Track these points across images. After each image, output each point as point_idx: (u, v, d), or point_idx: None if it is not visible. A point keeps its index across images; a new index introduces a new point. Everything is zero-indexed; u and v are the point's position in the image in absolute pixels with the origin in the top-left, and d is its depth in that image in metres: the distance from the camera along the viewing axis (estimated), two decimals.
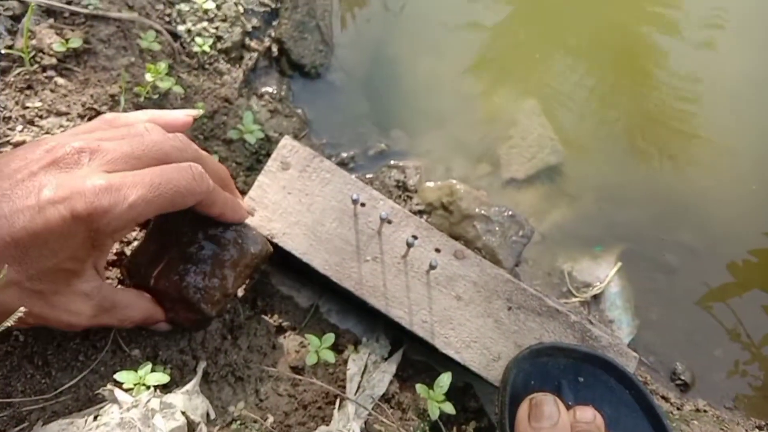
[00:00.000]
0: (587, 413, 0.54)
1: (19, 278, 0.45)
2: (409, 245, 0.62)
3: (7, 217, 0.44)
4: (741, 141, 1.03)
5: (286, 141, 0.71)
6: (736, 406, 0.82)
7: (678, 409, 0.78)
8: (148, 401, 0.53)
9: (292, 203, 0.68)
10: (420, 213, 0.84)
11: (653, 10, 1.15)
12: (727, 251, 0.93)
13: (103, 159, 0.47)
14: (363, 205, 0.68)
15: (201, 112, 0.61)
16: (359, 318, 0.73)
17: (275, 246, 0.67)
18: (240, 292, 0.71)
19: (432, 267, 0.62)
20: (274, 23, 0.97)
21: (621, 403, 0.58)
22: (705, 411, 0.78)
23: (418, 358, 0.72)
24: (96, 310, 0.52)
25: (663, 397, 0.79)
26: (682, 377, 0.82)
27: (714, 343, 0.87)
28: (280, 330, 0.71)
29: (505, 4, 1.11)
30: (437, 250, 0.67)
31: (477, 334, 0.63)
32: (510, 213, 0.80)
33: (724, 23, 1.13)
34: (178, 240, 0.59)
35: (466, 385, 0.72)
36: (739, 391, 0.84)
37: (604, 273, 0.85)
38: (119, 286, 0.64)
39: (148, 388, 0.56)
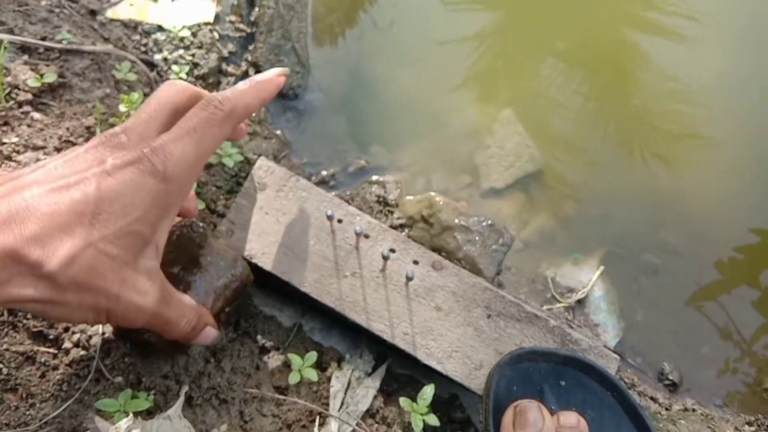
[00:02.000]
0: (571, 418, 0.54)
1: (92, 239, 0.44)
2: (385, 258, 0.62)
3: (72, 184, 0.45)
4: (725, 138, 1.04)
5: (262, 162, 0.72)
6: (726, 403, 0.82)
7: (666, 409, 0.78)
8: (128, 428, 0.53)
9: (270, 223, 0.68)
10: (401, 227, 0.85)
11: (636, 13, 1.17)
12: (711, 250, 0.93)
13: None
14: (340, 221, 0.68)
15: (287, 70, 0.63)
16: (342, 335, 0.73)
17: (255, 267, 0.67)
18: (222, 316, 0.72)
19: (409, 278, 0.62)
20: (250, 47, 0.98)
21: (604, 405, 0.58)
22: (693, 410, 0.78)
23: (402, 372, 0.72)
24: (159, 294, 0.51)
25: (651, 398, 0.79)
26: (670, 377, 0.82)
27: (701, 341, 0.87)
28: (264, 350, 0.71)
29: (488, 13, 1.12)
30: (415, 262, 0.67)
31: (458, 344, 0.64)
32: (489, 222, 0.81)
33: (705, 20, 1.14)
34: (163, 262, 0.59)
35: (452, 396, 0.72)
36: (729, 389, 0.84)
37: (587, 277, 0.85)
38: None
39: (128, 414, 0.56)
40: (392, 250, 0.67)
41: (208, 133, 0.51)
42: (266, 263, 0.67)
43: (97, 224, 0.44)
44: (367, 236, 0.68)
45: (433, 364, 0.63)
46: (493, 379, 0.58)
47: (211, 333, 0.60)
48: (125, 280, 0.47)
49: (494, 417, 0.57)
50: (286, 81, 0.62)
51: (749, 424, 0.79)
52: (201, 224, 0.62)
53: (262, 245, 0.67)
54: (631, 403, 0.58)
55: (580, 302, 0.84)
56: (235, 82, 0.95)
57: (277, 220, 0.68)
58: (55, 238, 0.42)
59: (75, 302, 0.45)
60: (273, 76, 0.60)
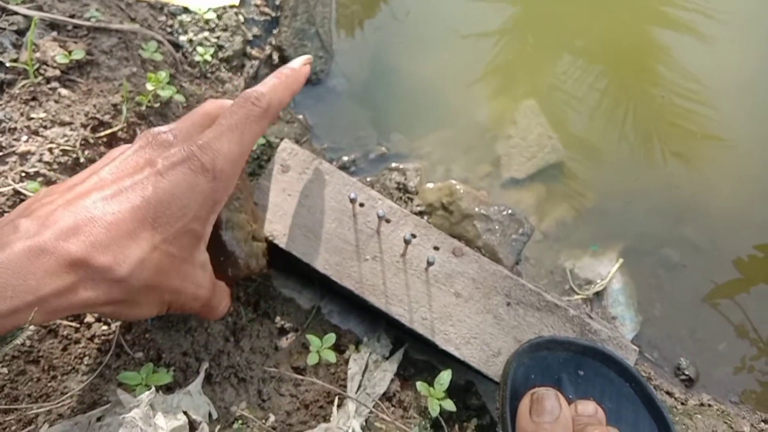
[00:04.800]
0: (589, 407, 0.54)
1: (156, 242, 0.46)
2: (407, 242, 0.62)
3: (129, 188, 0.47)
4: (745, 136, 1.03)
5: (286, 144, 0.72)
6: (742, 400, 0.82)
7: (682, 404, 0.78)
8: (150, 401, 0.54)
9: (292, 205, 0.69)
10: (421, 214, 0.85)
11: (659, 9, 1.15)
12: (730, 247, 0.92)
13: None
14: (362, 205, 0.69)
15: (311, 57, 0.64)
16: (361, 318, 0.73)
17: (276, 247, 0.68)
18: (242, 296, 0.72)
19: (429, 263, 0.62)
20: (275, 31, 0.98)
21: (621, 396, 0.58)
22: (709, 405, 0.78)
23: (419, 357, 0.72)
24: (210, 284, 0.55)
25: (667, 392, 0.79)
26: (686, 372, 0.81)
27: (718, 338, 0.86)
28: (282, 331, 0.71)
29: (511, 5, 1.12)
30: (436, 248, 0.67)
31: (477, 330, 0.64)
32: (509, 211, 0.81)
33: (727, 20, 1.13)
34: None
35: (468, 383, 0.72)
36: (745, 386, 0.84)
37: (606, 270, 0.84)
38: None
39: (150, 388, 0.57)
40: (413, 235, 0.67)
41: (249, 129, 0.53)
42: (288, 245, 0.67)
43: (159, 227, 0.47)
44: (388, 221, 0.68)
45: (451, 349, 0.63)
46: (511, 367, 0.58)
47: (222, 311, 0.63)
48: (186, 275, 0.51)
49: (511, 404, 0.57)
50: (311, 68, 0.63)
51: (765, 421, 0.79)
52: None
53: (283, 226, 0.68)
54: (649, 395, 0.58)
55: (599, 295, 0.83)
56: (259, 66, 0.95)
57: (299, 202, 0.69)
58: (123, 245, 0.44)
59: (144, 300, 0.49)
60: (300, 66, 0.62)
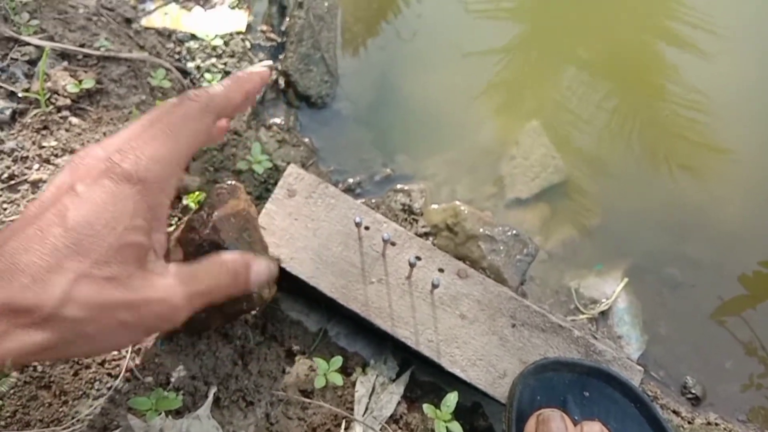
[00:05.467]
0: (594, 428, 0.54)
1: (83, 268, 0.42)
2: (412, 265, 0.63)
3: (46, 223, 0.43)
4: (749, 152, 1.03)
5: (292, 169, 0.73)
6: (749, 418, 0.82)
7: (689, 422, 0.78)
8: (160, 426, 0.55)
9: (298, 229, 0.70)
10: (426, 235, 0.86)
11: (661, 24, 1.17)
12: (735, 263, 0.92)
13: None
14: (367, 228, 0.70)
15: (271, 62, 0.63)
16: (367, 341, 0.74)
17: (283, 271, 0.68)
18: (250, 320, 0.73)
19: (434, 285, 0.63)
20: (281, 57, 1.00)
21: (626, 416, 0.59)
22: (716, 424, 0.78)
23: (426, 379, 0.73)
24: (180, 281, 0.49)
25: (674, 411, 0.79)
26: (693, 391, 0.81)
27: (725, 356, 0.86)
28: (290, 354, 0.72)
29: (513, 24, 1.13)
30: (440, 270, 0.68)
31: (482, 352, 0.64)
32: (514, 232, 0.82)
33: (728, 34, 1.14)
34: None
35: (475, 405, 0.73)
36: (753, 404, 0.84)
37: (611, 289, 0.85)
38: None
39: (160, 413, 0.58)
40: (418, 258, 0.68)
41: (185, 126, 0.50)
42: (294, 268, 0.68)
43: (83, 251, 0.42)
44: (393, 243, 0.69)
45: (457, 371, 0.64)
46: (517, 388, 0.59)
47: (260, 269, 0.57)
48: (138, 289, 0.45)
49: (517, 426, 0.57)
50: (271, 73, 0.60)
51: None
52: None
53: (290, 250, 0.69)
54: (654, 416, 0.58)
55: (604, 314, 0.84)
56: (266, 91, 0.97)
57: (305, 226, 0.70)
58: (46, 281, 0.41)
59: (95, 331, 0.44)
60: (256, 68, 0.59)
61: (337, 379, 0.66)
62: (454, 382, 0.67)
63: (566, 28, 1.15)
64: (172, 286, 0.48)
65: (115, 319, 0.44)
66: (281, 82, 0.98)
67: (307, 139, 0.95)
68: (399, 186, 0.92)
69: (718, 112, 1.06)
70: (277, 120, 0.95)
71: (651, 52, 1.14)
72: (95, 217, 0.43)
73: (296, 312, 0.75)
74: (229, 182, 0.64)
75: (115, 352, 0.66)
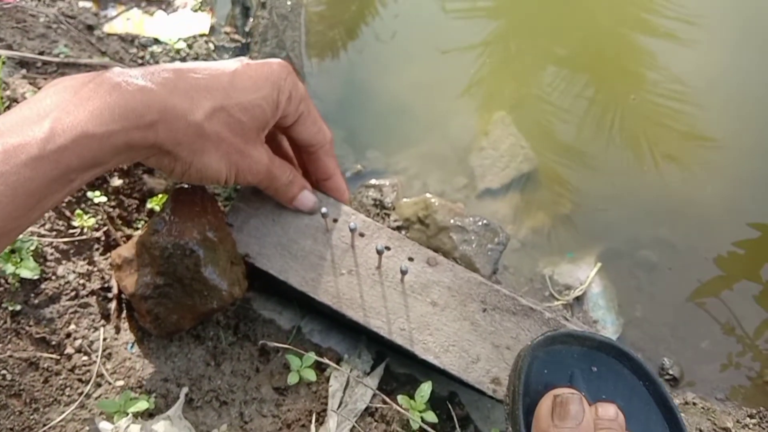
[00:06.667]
0: (610, 410, 0.52)
1: (227, 102, 0.55)
2: (380, 252, 0.63)
3: (217, 67, 0.57)
4: (725, 136, 1.04)
5: None
6: (728, 397, 0.82)
7: None
8: (127, 428, 0.54)
9: (266, 224, 0.69)
10: (398, 229, 0.85)
11: (638, 15, 1.18)
12: (710, 245, 0.93)
13: None
14: (335, 220, 0.69)
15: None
16: (342, 336, 0.73)
17: (253, 268, 0.68)
18: (222, 319, 0.72)
19: (403, 272, 0.62)
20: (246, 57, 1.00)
21: (634, 394, 0.57)
22: (694, 404, 0.78)
23: (401, 371, 0.72)
24: (269, 155, 0.62)
25: None
26: (671, 372, 0.81)
27: (701, 336, 0.86)
28: (263, 353, 0.71)
29: (490, 21, 1.14)
30: (410, 259, 0.67)
31: (455, 338, 0.64)
32: (484, 222, 0.81)
33: (704, 23, 1.15)
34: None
35: (451, 394, 0.72)
36: (731, 382, 0.84)
37: (584, 274, 0.85)
38: None
39: (128, 415, 0.57)
40: (387, 248, 0.67)
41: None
42: (264, 263, 0.67)
43: (233, 93, 0.55)
44: (362, 234, 0.68)
45: (430, 358, 0.63)
46: (524, 361, 0.55)
47: (308, 197, 0.69)
48: (249, 141, 0.58)
49: (523, 400, 0.55)
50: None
51: (751, 416, 0.79)
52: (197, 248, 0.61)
53: (259, 246, 0.68)
54: (663, 394, 0.56)
55: (579, 299, 0.84)
56: None
57: (274, 221, 0.69)
58: (200, 96, 0.53)
59: (214, 149, 0.55)
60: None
61: (311, 375, 0.65)
62: (430, 372, 0.67)
63: (543, 24, 1.15)
64: (265, 156, 0.61)
65: (228, 151, 0.57)
66: None
67: None
68: (371, 182, 0.92)
69: (697, 100, 1.07)
70: None
71: (628, 43, 1.15)
72: (250, 76, 0.57)
73: (268, 311, 0.75)
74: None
75: (85, 357, 0.65)
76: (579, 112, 1.03)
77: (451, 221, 0.81)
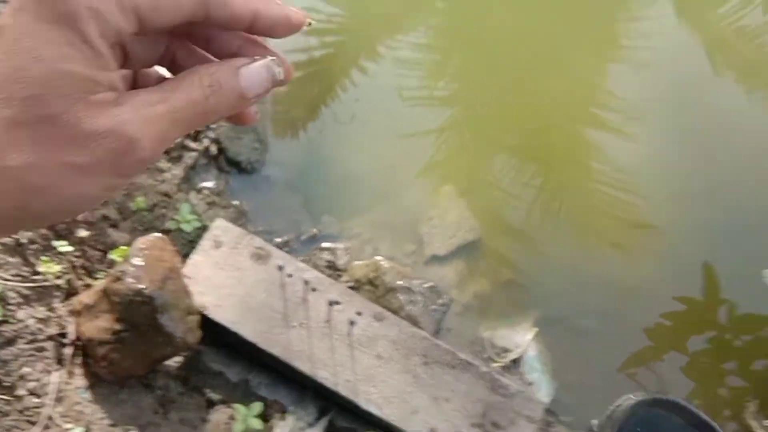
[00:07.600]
0: None
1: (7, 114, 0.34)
2: (331, 304, 0.67)
3: None
4: (662, 221, 1.12)
5: (220, 222, 0.77)
6: None
7: None
8: None
9: (223, 278, 0.73)
10: (350, 289, 0.90)
11: (586, 110, 1.28)
12: (638, 315, 1.00)
13: None
14: (290, 276, 0.73)
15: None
16: (289, 389, 0.76)
17: (207, 320, 0.71)
18: (174, 365, 0.74)
19: (351, 323, 0.67)
20: (213, 125, 1.06)
21: None
22: None
23: (345, 425, 0.75)
24: (135, 112, 0.38)
25: None
26: None
27: None
28: (211, 404, 0.74)
29: (445, 109, 1.22)
30: (359, 314, 0.72)
31: (397, 390, 0.68)
32: (430, 284, 0.87)
33: (647, 118, 1.26)
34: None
35: None
36: None
37: (522, 339, 0.90)
38: None
39: None
40: (337, 302, 0.72)
41: None
42: (218, 315, 0.71)
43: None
44: (314, 289, 0.73)
45: (373, 409, 0.67)
46: (623, 413, 0.55)
47: (253, 70, 0.52)
48: (81, 121, 0.39)
49: None
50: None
51: None
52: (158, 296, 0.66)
53: (215, 298, 0.72)
54: None
55: (516, 362, 0.89)
56: (198, 157, 1.01)
57: (230, 275, 0.73)
58: None
59: (46, 182, 0.32)
60: None
61: (256, 424, 0.68)
62: (372, 426, 0.70)
63: (496, 113, 1.25)
64: (123, 113, 0.35)
65: (65, 162, 0.32)
66: (213, 149, 1.03)
67: (237, 202, 0.99)
68: (325, 245, 0.97)
69: (640, 190, 1.16)
70: (208, 184, 1.00)
71: (576, 135, 1.24)
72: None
73: (218, 363, 0.77)
74: (153, 235, 0.68)
75: (36, 399, 0.66)
76: (528, 198, 1.10)
77: (399, 283, 0.86)
